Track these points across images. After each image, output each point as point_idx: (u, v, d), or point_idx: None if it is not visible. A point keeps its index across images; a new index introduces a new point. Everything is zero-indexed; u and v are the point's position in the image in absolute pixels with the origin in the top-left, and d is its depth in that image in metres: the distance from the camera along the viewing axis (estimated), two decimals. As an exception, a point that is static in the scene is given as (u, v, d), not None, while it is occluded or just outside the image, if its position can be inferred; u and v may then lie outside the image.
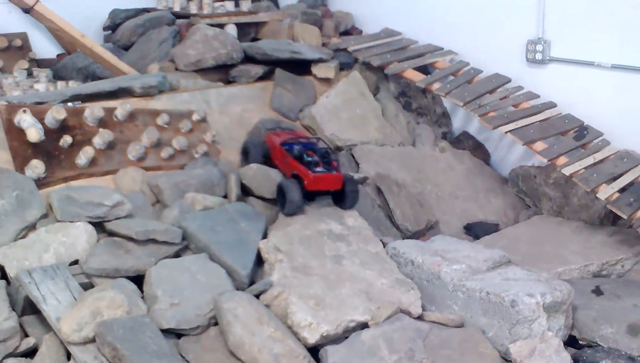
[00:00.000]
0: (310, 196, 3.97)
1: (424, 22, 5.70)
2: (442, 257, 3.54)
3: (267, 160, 4.26)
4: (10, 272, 3.07)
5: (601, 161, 4.32)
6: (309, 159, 4.01)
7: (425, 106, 5.55)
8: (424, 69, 5.36)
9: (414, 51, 5.52)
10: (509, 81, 5.04)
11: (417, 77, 5.09)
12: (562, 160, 4.30)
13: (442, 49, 5.54)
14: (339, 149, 4.82)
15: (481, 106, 4.72)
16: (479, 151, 5.36)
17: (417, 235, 4.38)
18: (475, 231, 4.57)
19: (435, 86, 4.96)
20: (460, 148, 5.32)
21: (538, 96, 4.89)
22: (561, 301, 3.19)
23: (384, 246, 3.74)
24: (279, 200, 3.89)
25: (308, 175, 3.84)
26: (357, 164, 4.73)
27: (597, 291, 3.67)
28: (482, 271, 3.45)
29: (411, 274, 3.54)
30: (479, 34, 5.31)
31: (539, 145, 4.42)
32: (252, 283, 3.36)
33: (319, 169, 3.94)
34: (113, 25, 5.73)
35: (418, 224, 4.41)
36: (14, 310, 2.90)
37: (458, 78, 5.09)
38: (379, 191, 4.50)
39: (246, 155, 4.31)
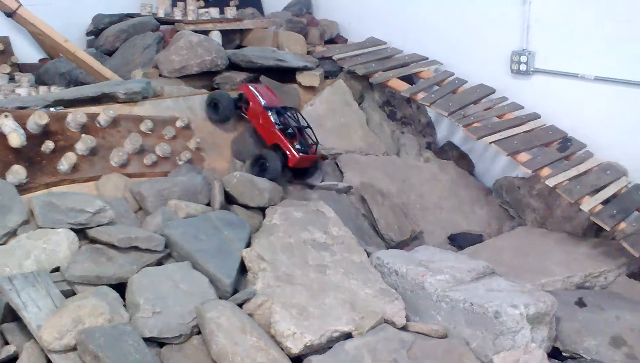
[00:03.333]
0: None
1: (409, 32, 5.72)
2: (426, 267, 3.54)
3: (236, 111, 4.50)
4: (-10, 279, 3.01)
5: (585, 172, 4.34)
6: (291, 132, 4.38)
7: (410, 116, 5.56)
8: (409, 79, 5.37)
9: (399, 60, 5.53)
10: (494, 91, 5.07)
11: (401, 87, 5.10)
12: (545, 171, 4.31)
13: (427, 58, 5.56)
14: (323, 158, 4.81)
15: (465, 116, 4.73)
16: (464, 161, 5.38)
17: (401, 245, 4.37)
18: (459, 241, 4.57)
19: (420, 96, 4.97)
20: (445, 158, 5.34)
21: (522, 107, 4.92)
22: (545, 312, 3.19)
23: (368, 256, 3.73)
24: (257, 166, 4.22)
25: (294, 155, 4.25)
26: (342, 173, 4.72)
27: (581, 303, 3.67)
28: (466, 281, 3.45)
29: (395, 284, 3.52)
30: (464, 44, 5.33)
31: (523, 156, 4.44)
32: (235, 292, 3.33)
33: (298, 146, 4.31)
34: (96, 30, 5.70)
35: (402, 234, 4.40)
36: (-7, 317, 2.86)
37: (443, 88, 5.10)
38: (363, 200, 4.49)
39: (215, 108, 4.41)
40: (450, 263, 3.60)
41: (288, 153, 4.29)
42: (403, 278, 3.50)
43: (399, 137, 5.33)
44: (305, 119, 4.66)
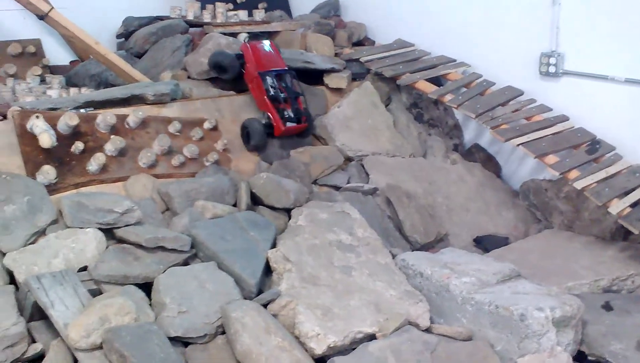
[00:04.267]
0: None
1: (436, 34, 5.70)
2: (452, 269, 3.53)
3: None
4: (19, 277, 3.07)
5: (613, 175, 4.29)
6: (284, 98, 4.56)
7: (437, 118, 5.54)
8: (437, 81, 5.35)
9: (427, 62, 5.51)
10: (522, 93, 5.04)
11: (429, 89, 5.08)
12: (574, 174, 4.27)
13: (455, 60, 5.53)
14: (349, 159, 4.82)
15: (493, 118, 4.71)
16: (490, 163, 5.35)
17: (427, 247, 4.35)
18: (484, 244, 4.54)
19: (448, 98, 4.95)
20: (472, 160, 5.31)
21: (551, 109, 4.88)
22: (571, 315, 3.16)
23: (393, 258, 3.73)
24: (245, 136, 4.47)
25: (280, 126, 4.47)
26: (367, 174, 4.72)
27: (607, 307, 3.64)
28: (491, 284, 3.43)
29: (420, 286, 3.52)
30: (492, 46, 5.30)
31: (551, 158, 4.40)
32: (260, 292, 3.35)
33: (290, 114, 4.51)
34: (126, 33, 5.76)
35: (428, 236, 4.39)
36: (22, 315, 2.89)
37: (470, 90, 5.08)
38: (388, 202, 4.48)
39: (224, 70, 4.60)
40: (475, 265, 3.59)
41: (275, 124, 4.47)
42: (428, 280, 3.50)
43: (425, 139, 5.32)
44: (300, 86, 4.79)
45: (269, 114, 4.52)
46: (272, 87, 4.57)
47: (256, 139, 4.43)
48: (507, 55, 5.21)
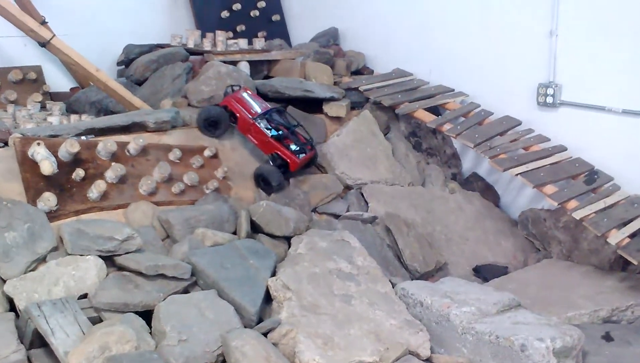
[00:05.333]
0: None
1: (435, 64, 5.75)
2: (452, 299, 3.53)
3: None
4: (20, 304, 3.06)
5: (612, 205, 4.32)
6: (285, 135, 4.59)
7: (436, 147, 5.57)
8: (435, 110, 5.40)
9: (425, 91, 5.56)
10: (520, 123, 5.07)
11: (427, 118, 5.12)
12: (572, 204, 4.29)
13: (453, 90, 5.58)
14: (348, 188, 4.83)
15: (492, 147, 4.74)
16: (489, 192, 5.37)
17: (426, 276, 4.36)
18: (484, 273, 4.55)
19: (446, 127, 4.98)
20: (470, 189, 5.33)
21: (548, 139, 4.91)
22: (571, 346, 3.16)
23: (393, 287, 3.73)
24: (262, 182, 4.47)
25: (295, 161, 4.49)
26: (367, 203, 4.73)
27: (608, 337, 3.64)
28: (491, 314, 3.43)
29: (420, 315, 3.52)
30: (490, 76, 5.35)
31: (549, 188, 4.42)
32: (260, 320, 3.34)
33: (295, 147, 4.53)
34: (127, 60, 5.79)
35: (427, 265, 4.39)
36: (22, 342, 2.88)
37: (469, 120, 5.12)
38: (388, 230, 4.49)
39: (216, 126, 4.55)
40: (475, 295, 3.59)
41: (289, 160, 4.49)
42: (428, 309, 3.50)
43: (424, 168, 5.35)
44: (293, 117, 4.81)
45: (279, 153, 4.51)
46: (270, 128, 4.58)
47: (276, 181, 4.42)
48: (505, 85, 5.26)
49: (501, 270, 4.62)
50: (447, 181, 5.34)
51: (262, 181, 4.47)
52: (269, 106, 4.75)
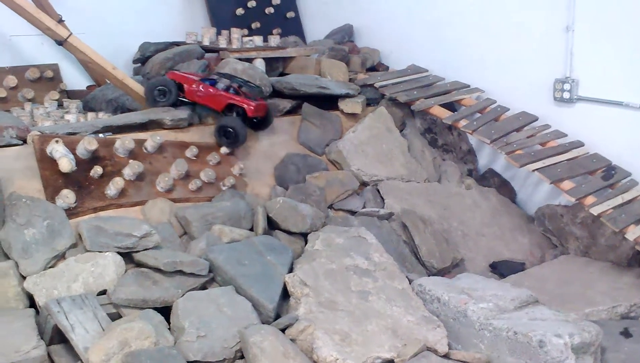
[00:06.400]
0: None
1: (450, 60, 5.73)
2: (469, 295, 3.52)
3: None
4: (40, 301, 3.09)
5: (629, 201, 4.29)
6: (234, 90, 4.63)
7: (451, 143, 5.56)
8: (450, 106, 5.37)
9: (441, 88, 5.54)
10: (536, 119, 5.05)
11: (443, 114, 5.10)
12: (590, 200, 4.27)
13: (469, 86, 5.55)
14: (364, 184, 4.83)
15: (508, 143, 4.72)
16: (505, 188, 5.35)
17: (443, 272, 4.35)
18: (501, 269, 4.53)
19: (462, 123, 4.97)
20: (486, 185, 5.31)
21: (565, 135, 4.88)
22: (590, 342, 3.15)
23: (410, 283, 3.73)
24: (224, 136, 4.45)
25: (250, 106, 4.50)
26: (383, 199, 4.73)
27: (626, 333, 3.63)
28: (509, 310, 3.42)
29: (437, 311, 3.52)
30: (506, 72, 5.32)
31: (567, 184, 4.40)
32: (277, 316, 3.36)
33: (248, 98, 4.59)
34: (143, 58, 5.80)
35: (444, 262, 4.39)
36: (42, 338, 2.92)
37: (485, 116, 5.10)
38: (404, 227, 4.49)
39: (165, 94, 4.56)
40: (493, 291, 3.58)
41: (245, 105, 4.50)
42: (445, 305, 3.49)
43: (440, 164, 5.33)
44: (235, 76, 4.84)
45: (232, 102, 4.54)
46: (225, 85, 4.66)
47: (240, 128, 4.44)
48: (520, 81, 5.23)
49: (518, 266, 4.60)
50: (463, 177, 5.32)
51: (224, 135, 4.48)
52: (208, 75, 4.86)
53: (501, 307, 3.42)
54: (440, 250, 4.43)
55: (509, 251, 4.78)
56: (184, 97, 4.61)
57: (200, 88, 4.54)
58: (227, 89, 4.60)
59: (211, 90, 4.54)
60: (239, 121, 4.47)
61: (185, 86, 4.58)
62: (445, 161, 5.41)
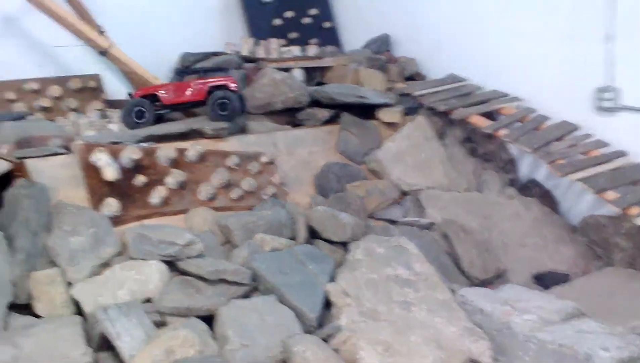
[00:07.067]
0: None
1: (488, 69, 5.69)
2: (512, 307, 3.48)
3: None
4: (86, 308, 3.12)
5: (675, 212, 4.22)
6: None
7: (491, 152, 5.51)
8: (489, 115, 5.33)
9: (479, 96, 5.50)
10: (577, 128, 4.99)
11: (483, 123, 5.07)
12: (635, 210, 4.20)
13: (508, 95, 5.51)
14: (404, 193, 4.81)
15: (550, 153, 4.67)
16: (547, 198, 5.28)
17: (485, 283, 4.31)
18: (545, 281, 4.47)
19: (503, 132, 4.93)
20: (528, 195, 5.25)
21: (608, 144, 4.82)
22: (637, 356, 3.09)
23: (452, 294, 3.70)
24: (218, 107, 4.61)
25: (232, 80, 4.74)
26: (423, 209, 4.70)
27: (674, 347, 3.54)
28: (554, 322, 3.37)
29: (480, 323, 3.47)
30: (546, 80, 5.27)
31: (611, 194, 4.34)
32: (320, 326, 3.35)
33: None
34: (183, 68, 5.86)
35: (486, 272, 4.34)
36: (89, 345, 2.94)
37: (525, 125, 5.05)
38: (445, 237, 4.46)
39: (143, 114, 4.67)
40: (537, 302, 3.53)
41: (227, 82, 4.73)
42: (488, 317, 3.45)
43: (480, 173, 5.29)
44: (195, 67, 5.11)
45: (217, 83, 4.72)
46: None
47: (237, 101, 4.64)
48: (560, 89, 5.17)
49: (562, 277, 4.54)
50: (504, 187, 5.27)
51: (219, 108, 4.61)
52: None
53: (545, 319, 3.37)
54: (483, 261, 4.38)
55: (552, 262, 4.71)
56: (162, 107, 4.72)
57: (173, 89, 4.69)
58: (197, 78, 4.78)
59: (187, 85, 4.72)
60: (229, 92, 4.64)
61: (158, 94, 4.71)
62: (486, 170, 5.36)
